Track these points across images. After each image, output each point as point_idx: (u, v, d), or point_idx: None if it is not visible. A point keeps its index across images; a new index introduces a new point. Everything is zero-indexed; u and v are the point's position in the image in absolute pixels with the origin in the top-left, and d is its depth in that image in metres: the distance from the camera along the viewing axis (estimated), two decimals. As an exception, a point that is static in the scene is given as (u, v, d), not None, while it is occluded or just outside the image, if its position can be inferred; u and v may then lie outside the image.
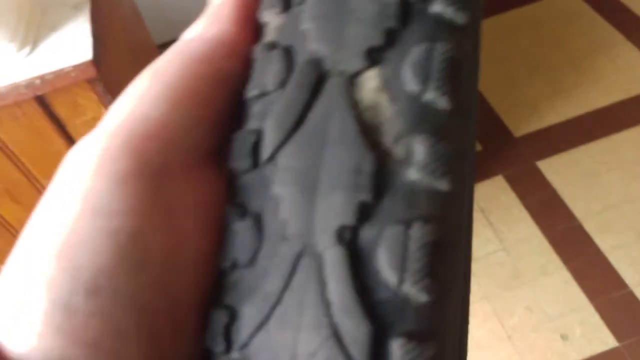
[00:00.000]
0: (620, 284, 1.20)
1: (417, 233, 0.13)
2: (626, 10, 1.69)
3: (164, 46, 0.27)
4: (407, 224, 0.13)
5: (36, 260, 0.14)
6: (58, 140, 0.83)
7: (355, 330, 0.13)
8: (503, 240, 1.31)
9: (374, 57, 0.15)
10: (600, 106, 1.50)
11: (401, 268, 0.13)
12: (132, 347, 0.14)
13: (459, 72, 0.15)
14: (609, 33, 1.66)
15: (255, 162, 0.15)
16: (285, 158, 0.15)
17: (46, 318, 0.13)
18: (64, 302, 0.13)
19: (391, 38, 0.15)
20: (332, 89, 0.15)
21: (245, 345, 0.14)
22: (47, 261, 0.14)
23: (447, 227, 0.14)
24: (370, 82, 0.15)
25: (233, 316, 0.14)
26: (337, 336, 0.13)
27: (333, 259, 0.13)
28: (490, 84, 1.58)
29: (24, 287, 0.14)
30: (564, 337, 1.15)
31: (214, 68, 0.17)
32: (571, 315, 1.17)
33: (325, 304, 0.13)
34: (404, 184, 0.14)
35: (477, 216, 1.35)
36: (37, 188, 0.88)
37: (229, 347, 0.14)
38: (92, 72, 0.77)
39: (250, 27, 0.17)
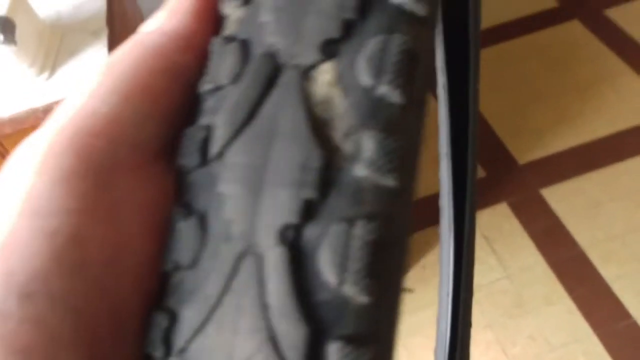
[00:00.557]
0: (624, 314, 1.20)
1: (360, 231, 0.13)
2: (631, 41, 1.71)
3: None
4: (351, 222, 0.13)
5: None
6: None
7: (291, 333, 0.13)
8: (507, 268, 1.31)
9: (330, 49, 0.14)
10: (604, 135, 1.51)
11: (342, 268, 0.13)
12: (68, 353, 0.13)
13: (415, 65, 0.15)
14: (614, 63, 1.68)
15: (204, 159, 0.15)
16: (234, 155, 0.14)
17: None
18: None
19: (349, 30, 0.15)
20: (285, 83, 0.14)
21: (183, 350, 0.14)
22: None
23: (392, 226, 0.14)
24: (325, 76, 0.14)
25: (173, 319, 0.14)
26: (273, 340, 0.13)
27: (274, 259, 0.13)
28: (494, 110, 1.60)
29: None
30: (567, 367, 1.15)
31: (170, 62, 0.16)
32: (574, 345, 1.17)
33: (263, 307, 0.13)
34: (350, 180, 0.13)
35: (480, 243, 1.36)
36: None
37: (168, 352, 0.14)
38: (107, 99, 0.78)
39: (210, 20, 0.17)
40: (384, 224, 0.13)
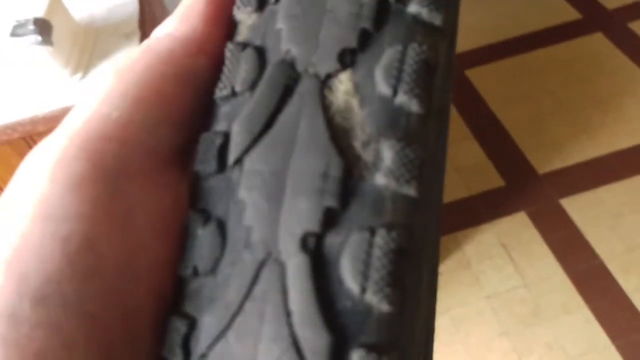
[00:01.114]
0: (643, 326, 1.19)
1: (381, 240, 0.13)
2: (654, 54, 1.71)
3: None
4: (372, 230, 0.13)
5: None
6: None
7: (314, 341, 0.13)
8: (524, 277, 1.31)
9: (347, 59, 0.15)
10: (626, 147, 1.50)
11: (363, 276, 0.13)
12: (81, 358, 0.13)
13: (433, 75, 0.15)
14: (636, 74, 1.67)
15: (221, 166, 0.15)
16: (252, 162, 0.14)
17: None
18: (10, 312, 0.13)
19: (366, 39, 0.15)
20: (304, 92, 0.14)
21: (203, 356, 0.14)
22: None
23: (412, 235, 0.14)
24: (343, 85, 0.14)
25: (192, 325, 0.14)
26: (296, 347, 0.13)
27: (296, 267, 0.13)
28: (516, 121, 1.61)
29: None
30: (584, 377, 1.14)
31: (181, 67, 0.16)
32: (592, 355, 1.16)
33: (286, 314, 0.13)
34: (371, 189, 0.14)
35: (498, 252, 1.36)
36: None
37: (187, 358, 0.14)
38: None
39: (221, 26, 0.17)
40: (405, 233, 0.13)
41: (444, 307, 1.25)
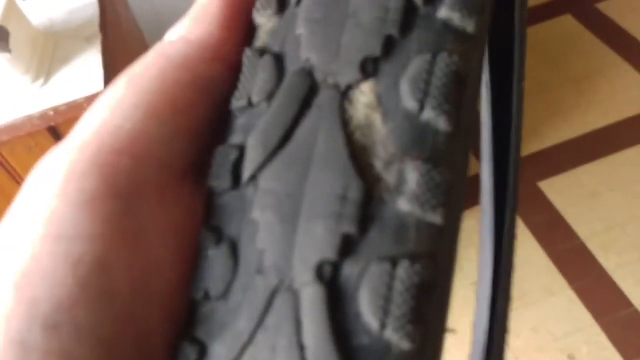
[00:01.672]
0: (625, 302, 1.20)
1: (404, 273, 0.12)
2: (625, 34, 1.72)
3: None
4: (394, 261, 0.12)
5: None
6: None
7: None
8: (507, 261, 1.31)
9: (370, 68, 0.13)
10: (600, 127, 1.52)
11: (384, 311, 0.12)
12: None
13: (464, 89, 0.13)
14: (608, 56, 1.69)
15: (236, 182, 0.14)
16: (267, 180, 0.13)
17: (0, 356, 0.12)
18: (20, 339, 0.12)
19: (391, 47, 0.13)
20: (322, 104, 0.13)
21: None
22: (4, 292, 0.13)
23: (437, 266, 0.13)
24: (365, 97, 0.13)
25: (202, 353, 0.13)
26: None
27: (311, 297, 0.12)
28: (490, 106, 1.61)
29: None
30: (570, 358, 1.15)
31: (196, 74, 0.15)
32: (577, 335, 1.17)
33: (299, 348, 0.12)
34: (393, 215, 0.12)
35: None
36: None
37: None
38: (102, 103, 0.79)
39: (239, 29, 0.16)
40: (429, 265, 0.12)
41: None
